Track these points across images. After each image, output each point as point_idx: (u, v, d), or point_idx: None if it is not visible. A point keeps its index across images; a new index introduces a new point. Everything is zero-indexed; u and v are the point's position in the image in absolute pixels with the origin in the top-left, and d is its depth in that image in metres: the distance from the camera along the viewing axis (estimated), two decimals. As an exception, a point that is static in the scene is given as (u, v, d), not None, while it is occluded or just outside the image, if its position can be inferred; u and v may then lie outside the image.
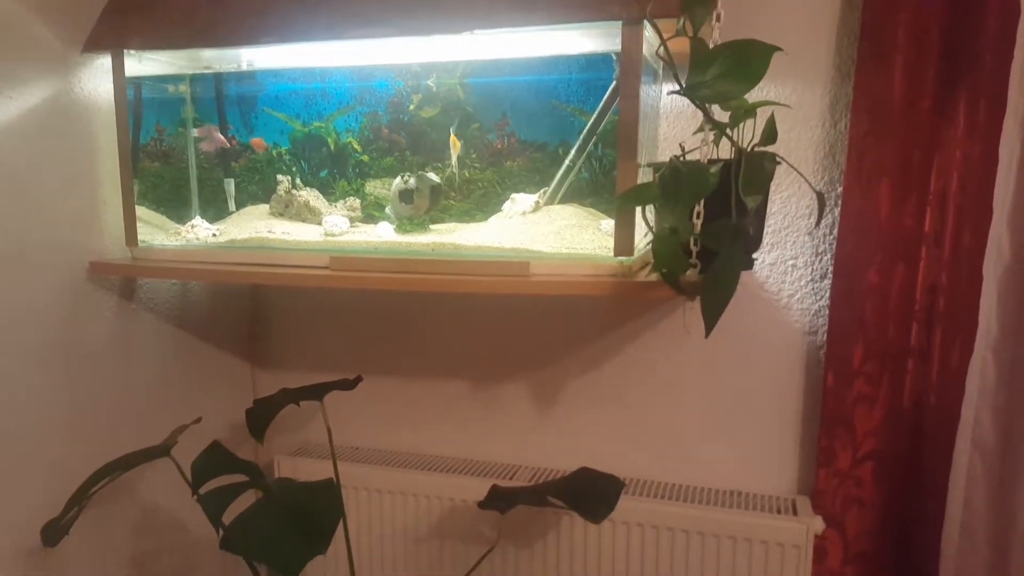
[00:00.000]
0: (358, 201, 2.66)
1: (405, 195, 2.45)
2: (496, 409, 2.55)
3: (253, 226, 2.61)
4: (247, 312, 2.82)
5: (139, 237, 2.51)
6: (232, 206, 2.80)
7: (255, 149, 2.58)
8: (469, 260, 1.92)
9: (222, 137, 2.59)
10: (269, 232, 2.38)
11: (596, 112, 2.20)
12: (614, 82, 2.06)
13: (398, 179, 2.53)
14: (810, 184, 2.06)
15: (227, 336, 2.72)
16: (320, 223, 2.35)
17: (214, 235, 2.45)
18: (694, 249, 1.63)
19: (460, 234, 2.21)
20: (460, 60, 2.17)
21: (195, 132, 2.63)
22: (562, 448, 2.48)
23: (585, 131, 2.24)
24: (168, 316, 2.51)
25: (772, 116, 1.62)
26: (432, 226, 2.37)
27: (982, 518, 1.54)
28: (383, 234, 2.28)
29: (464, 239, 2.11)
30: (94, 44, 2.36)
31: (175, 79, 2.67)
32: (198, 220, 2.70)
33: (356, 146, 2.81)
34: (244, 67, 2.50)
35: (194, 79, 2.73)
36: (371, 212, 2.53)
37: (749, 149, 1.56)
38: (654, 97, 2.09)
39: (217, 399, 2.72)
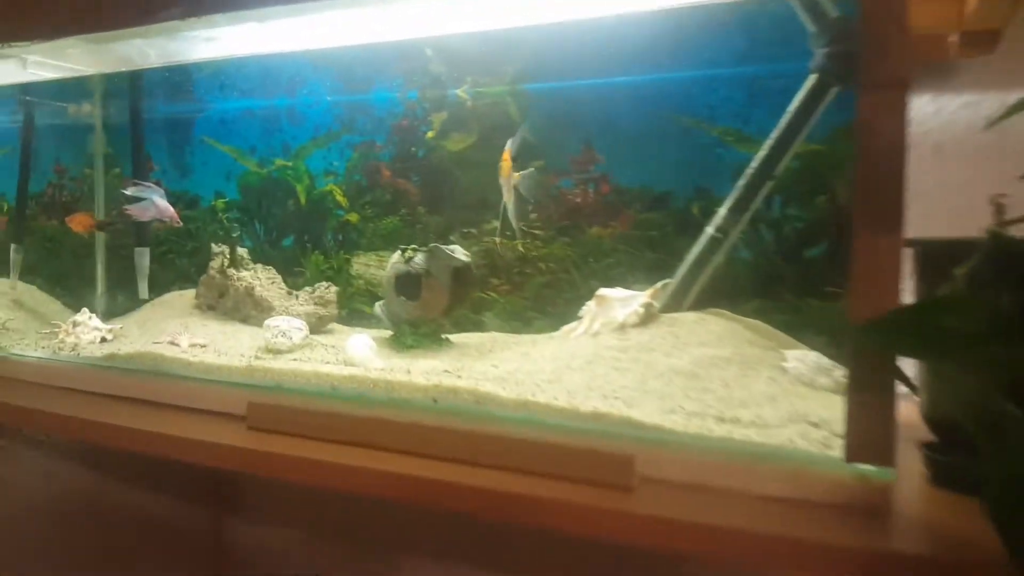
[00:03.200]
0: (333, 290, 1.75)
1: (406, 283, 1.59)
2: None
3: (161, 328, 1.76)
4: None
5: None
6: (144, 291, 1.94)
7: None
8: (501, 438, 1.12)
9: (167, 204, 1.76)
10: (171, 343, 1.63)
11: (776, 135, 1.31)
12: (814, 75, 1.24)
13: (396, 255, 1.63)
14: None
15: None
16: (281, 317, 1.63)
17: (103, 339, 1.76)
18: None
19: (496, 361, 1.42)
20: (516, 45, 1.53)
21: (128, 189, 1.75)
22: None
23: (750, 172, 1.34)
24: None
25: None
26: (451, 338, 1.60)
27: None
28: (356, 353, 1.47)
29: (500, 376, 1.31)
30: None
31: (76, 90, 1.64)
32: (85, 315, 1.86)
33: (339, 197, 1.66)
34: (169, 60, 1.66)
35: (106, 96, 1.70)
36: (357, 307, 1.79)
37: None
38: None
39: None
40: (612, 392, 1.22)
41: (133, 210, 1.74)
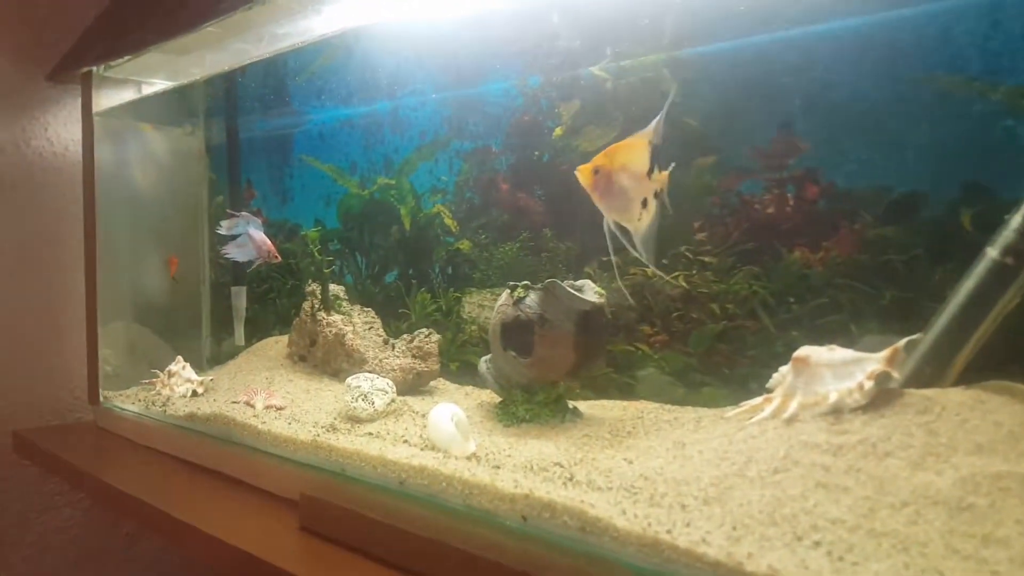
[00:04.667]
0: (434, 339, 1.45)
1: (515, 333, 1.22)
2: None
3: (247, 382, 1.61)
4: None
5: (102, 391, 1.78)
6: (239, 336, 1.75)
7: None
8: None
9: (263, 238, 1.51)
10: (247, 403, 1.47)
11: None
12: None
13: (503, 296, 1.28)
14: None
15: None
16: (367, 371, 1.47)
17: (194, 392, 1.62)
18: None
19: (634, 451, 1.05)
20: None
21: (222, 226, 1.54)
22: None
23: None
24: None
25: None
26: (582, 406, 1.25)
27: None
28: (436, 431, 1.13)
29: (631, 481, 0.94)
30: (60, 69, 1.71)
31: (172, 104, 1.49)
32: (179, 364, 1.71)
33: (448, 220, 1.38)
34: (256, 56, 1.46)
35: (209, 115, 1.51)
36: (470, 358, 1.46)
37: None
38: None
39: None
40: (813, 533, 0.69)
41: (230, 250, 1.50)
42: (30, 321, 1.89)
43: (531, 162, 1.35)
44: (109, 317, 1.83)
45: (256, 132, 1.67)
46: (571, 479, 0.97)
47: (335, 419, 1.32)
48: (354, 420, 1.29)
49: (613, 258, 1.06)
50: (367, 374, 1.33)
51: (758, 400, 1.04)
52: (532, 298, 1.21)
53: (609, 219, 1.04)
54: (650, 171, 1.04)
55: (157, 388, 1.72)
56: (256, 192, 1.68)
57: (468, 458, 1.10)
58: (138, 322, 1.90)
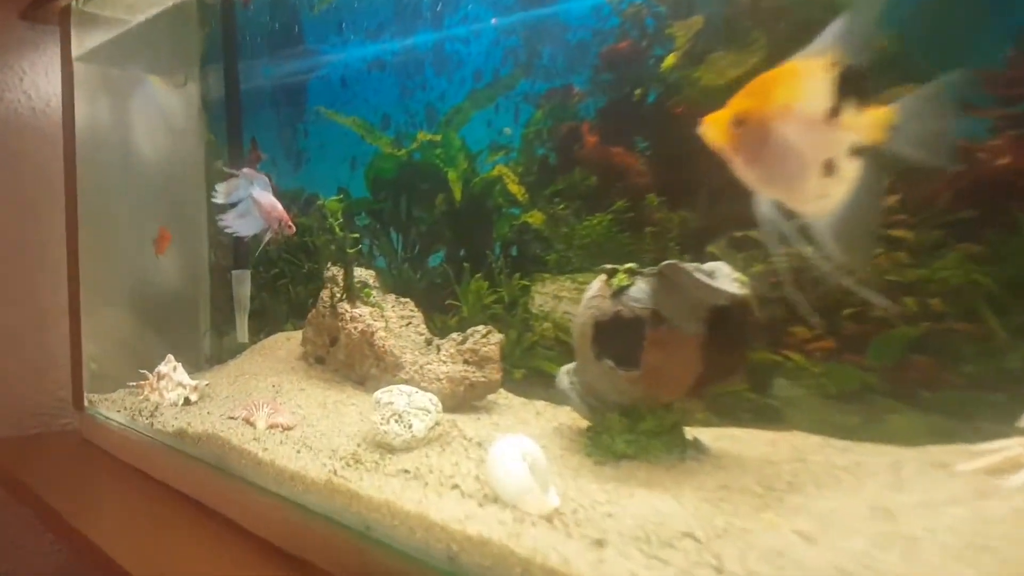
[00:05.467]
0: (495, 339, 1.10)
1: (615, 335, 0.90)
2: None
3: (249, 390, 1.29)
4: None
5: (87, 394, 1.54)
6: (242, 332, 1.40)
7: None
8: None
9: (272, 202, 1.17)
10: (246, 420, 1.17)
11: None
12: None
13: (596, 284, 0.92)
14: None
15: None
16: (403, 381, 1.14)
17: (187, 399, 1.34)
18: None
19: (804, 516, 0.73)
20: None
21: (218, 192, 1.21)
22: None
23: None
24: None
25: None
26: (703, 438, 0.94)
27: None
28: (500, 479, 0.81)
29: None
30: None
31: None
32: (170, 365, 1.39)
33: (512, 186, 1.20)
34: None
35: (205, 62, 1.45)
36: (542, 366, 1.13)
37: None
38: None
39: None
40: None
41: (230, 221, 1.17)
42: (6, 309, 1.63)
43: (630, 104, 1.02)
44: (95, 305, 1.57)
45: (262, 80, 1.36)
46: (719, 570, 0.63)
47: (359, 446, 1.01)
48: (385, 449, 0.97)
49: (774, 252, 0.69)
50: (403, 387, 0.99)
51: (1014, 445, 0.68)
52: (640, 287, 0.87)
53: (766, 198, 0.69)
54: (835, 111, 0.68)
55: (145, 393, 1.42)
56: (264, 154, 1.36)
57: (548, 518, 0.77)
58: (129, 312, 1.60)
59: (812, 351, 0.93)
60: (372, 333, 1.21)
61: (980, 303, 0.84)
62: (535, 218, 1.18)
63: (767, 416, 0.94)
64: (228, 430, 1.15)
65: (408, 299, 1.26)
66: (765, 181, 0.70)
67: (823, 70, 0.68)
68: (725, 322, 0.93)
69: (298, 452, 1.08)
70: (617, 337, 0.98)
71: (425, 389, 1.05)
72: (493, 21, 1.17)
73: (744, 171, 0.69)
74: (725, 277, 0.95)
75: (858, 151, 0.68)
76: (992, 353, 0.81)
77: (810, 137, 0.69)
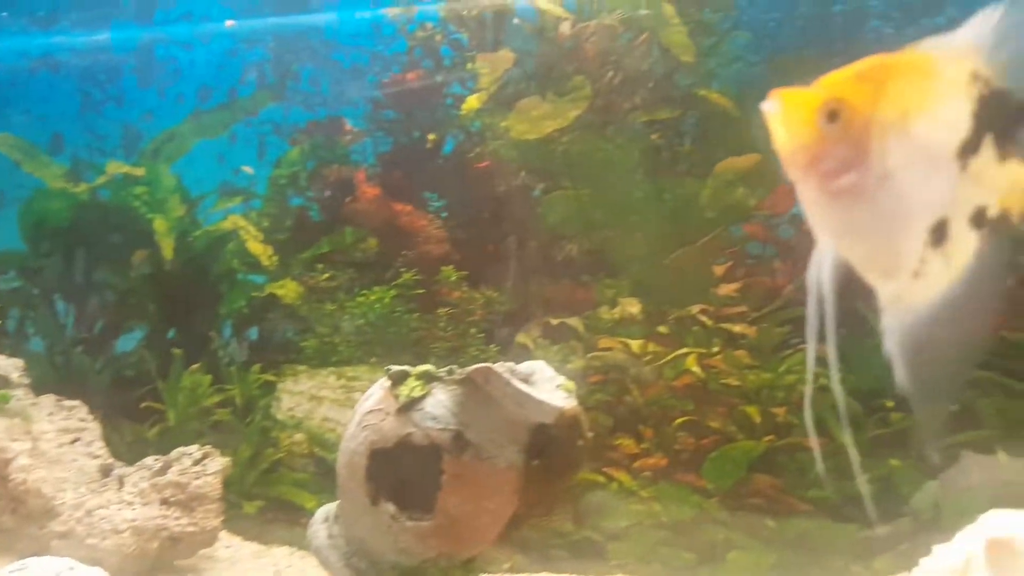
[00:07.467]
0: (216, 465, 0.86)
1: (398, 466, 0.59)
2: None
3: None
4: None
5: None
6: None
7: None
8: None
9: None
10: None
11: None
12: None
13: (375, 390, 0.63)
14: None
15: None
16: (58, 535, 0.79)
17: None
18: None
19: None
20: None
21: None
22: None
23: None
24: None
25: None
26: None
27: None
28: None
29: None
30: None
31: None
32: None
33: (252, 243, 0.91)
34: None
35: None
36: (291, 498, 0.87)
37: None
38: None
39: None
40: None
41: None
42: None
43: (421, 152, 0.83)
44: None
45: None
46: None
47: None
48: None
49: (810, 347, 0.44)
50: (46, 562, 0.63)
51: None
52: (439, 399, 0.66)
53: (833, 253, 0.46)
54: (972, 148, 0.46)
55: None
56: None
57: None
58: None
59: (638, 468, 0.79)
60: (7, 461, 0.80)
61: (833, 414, 0.78)
62: (287, 290, 0.91)
63: (587, 553, 0.78)
64: None
65: (78, 401, 0.88)
66: (843, 225, 0.46)
67: (966, 82, 0.47)
68: (549, 445, 0.75)
69: None
70: (402, 470, 0.74)
71: (92, 551, 0.70)
72: (229, 23, 0.91)
73: (816, 198, 0.45)
74: (547, 382, 0.78)
75: (983, 218, 0.47)
76: (842, 471, 0.75)
77: (931, 175, 0.46)
